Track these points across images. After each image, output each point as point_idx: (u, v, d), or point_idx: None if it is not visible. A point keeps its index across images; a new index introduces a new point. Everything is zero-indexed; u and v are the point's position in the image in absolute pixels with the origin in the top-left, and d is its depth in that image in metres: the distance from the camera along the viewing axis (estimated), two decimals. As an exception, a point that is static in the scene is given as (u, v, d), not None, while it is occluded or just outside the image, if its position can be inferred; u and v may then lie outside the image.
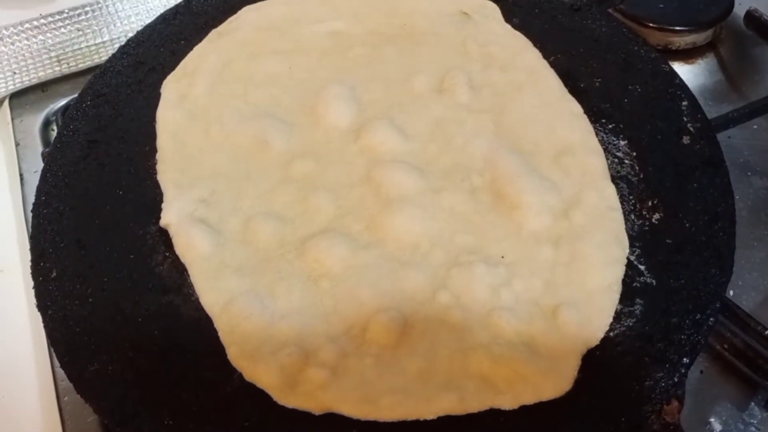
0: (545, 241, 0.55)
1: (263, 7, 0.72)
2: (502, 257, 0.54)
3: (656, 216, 0.56)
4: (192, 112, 0.64)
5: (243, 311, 0.51)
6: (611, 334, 0.50)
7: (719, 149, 0.59)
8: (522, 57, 0.67)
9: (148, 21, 0.74)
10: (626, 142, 0.61)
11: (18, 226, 0.68)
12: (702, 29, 0.80)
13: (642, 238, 0.55)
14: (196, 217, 0.57)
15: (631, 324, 0.50)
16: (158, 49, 0.69)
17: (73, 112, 0.64)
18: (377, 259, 0.55)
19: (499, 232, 0.56)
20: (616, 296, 0.52)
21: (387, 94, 0.65)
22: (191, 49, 0.69)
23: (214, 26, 0.70)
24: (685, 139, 0.60)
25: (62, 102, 0.78)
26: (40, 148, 0.74)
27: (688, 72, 0.80)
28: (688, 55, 0.81)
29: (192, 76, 0.66)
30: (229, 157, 0.61)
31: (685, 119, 0.61)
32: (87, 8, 0.85)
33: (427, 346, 0.50)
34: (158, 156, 0.61)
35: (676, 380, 0.47)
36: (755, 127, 0.73)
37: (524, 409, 0.47)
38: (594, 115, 0.63)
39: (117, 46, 0.73)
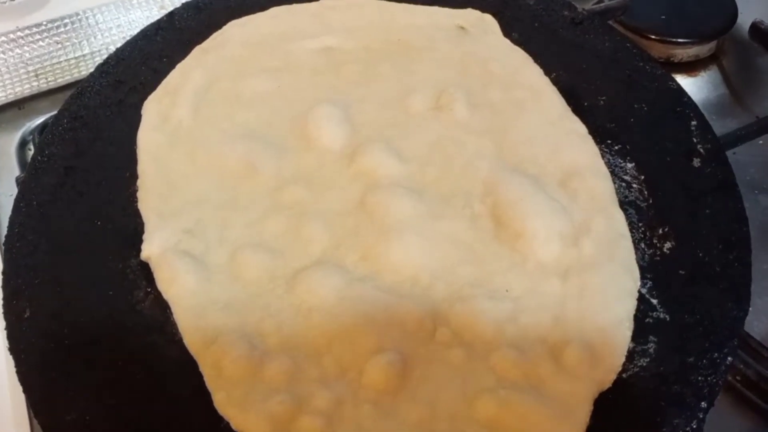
0: (553, 273, 0.52)
1: (250, 22, 0.68)
2: (507, 291, 0.51)
3: (667, 245, 0.53)
4: (175, 134, 0.61)
5: (230, 353, 0.48)
6: (624, 375, 0.47)
7: (731, 172, 0.56)
8: (522, 74, 0.64)
9: (131, 33, 0.70)
10: (633, 164, 0.58)
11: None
12: (705, 41, 0.78)
13: (653, 269, 0.52)
14: (180, 249, 0.54)
15: (644, 364, 0.47)
16: (139, 67, 0.66)
17: (48, 136, 0.60)
18: (374, 291, 0.51)
19: (503, 262, 0.52)
20: (629, 333, 0.49)
21: (382, 114, 0.62)
22: (174, 67, 0.65)
23: (199, 42, 0.67)
24: (696, 162, 0.57)
25: (40, 120, 0.75)
26: (16, 170, 0.70)
27: (690, 85, 0.78)
28: (690, 67, 0.79)
29: (175, 95, 0.63)
30: (215, 183, 0.58)
31: (695, 140, 0.58)
32: (66, 20, 0.82)
33: (428, 391, 0.46)
34: (139, 182, 0.58)
35: (694, 426, 0.44)
36: (761, 142, 0.70)
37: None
38: (599, 135, 0.60)
39: (98, 59, 0.71)
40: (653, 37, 0.77)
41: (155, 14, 0.80)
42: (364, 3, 0.70)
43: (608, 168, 0.58)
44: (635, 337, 0.48)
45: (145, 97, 0.63)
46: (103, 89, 0.64)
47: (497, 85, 0.63)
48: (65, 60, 0.79)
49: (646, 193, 0.56)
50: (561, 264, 0.52)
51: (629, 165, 0.58)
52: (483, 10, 0.69)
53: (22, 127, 0.75)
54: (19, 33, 0.80)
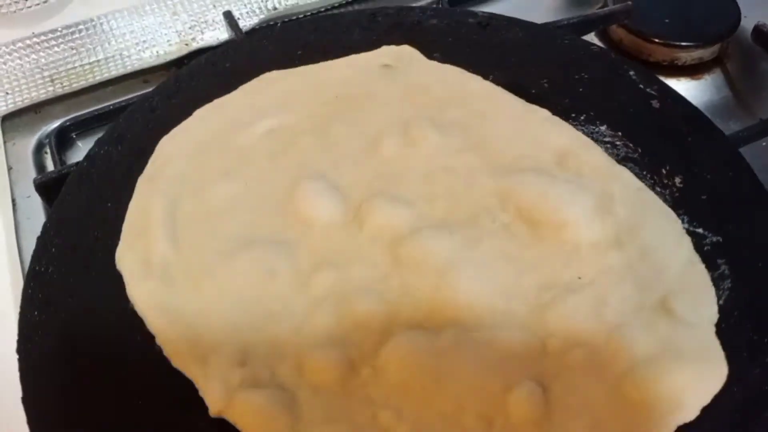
0: (607, 247, 0.53)
1: (180, 132, 0.63)
2: (579, 278, 0.52)
3: (677, 180, 0.57)
4: (167, 275, 0.54)
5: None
6: (720, 302, 0.50)
7: (688, 102, 0.61)
8: (467, 86, 0.65)
9: (143, 39, 0.78)
10: (605, 126, 0.62)
11: (9, 255, 0.65)
12: (708, 44, 0.77)
13: (681, 204, 0.55)
14: (248, 386, 0.48)
15: (729, 284, 0.50)
16: (85, 222, 0.58)
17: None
18: (462, 340, 0.49)
19: (559, 257, 0.53)
20: (702, 266, 0.51)
21: (361, 170, 0.60)
22: (123, 209, 0.58)
23: (138, 172, 0.60)
24: (654, 103, 0.62)
25: (55, 124, 0.75)
26: (32, 173, 0.72)
27: (694, 88, 0.76)
28: (694, 70, 0.78)
29: (145, 236, 0.56)
30: (239, 306, 0.52)
31: (642, 86, 0.63)
32: (81, 26, 0.83)
33: (575, 401, 0.46)
34: (159, 341, 0.51)
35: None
36: (764, 143, 0.69)
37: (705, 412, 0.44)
38: (562, 113, 0.62)
39: (111, 65, 0.78)
40: (657, 40, 0.77)
41: (168, 20, 0.83)
42: (279, 77, 0.68)
43: (588, 137, 0.61)
44: (708, 266, 0.51)
45: (110, 254, 0.55)
46: (58, 258, 0.55)
47: (451, 104, 0.64)
48: (80, 65, 0.80)
49: (631, 145, 0.60)
50: (608, 235, 0.54)
51: (602, 128, 0.62)
52: (396, 44, 0.70)
53: (39, 131, 0.76)
54: (35, 39, 0.82)
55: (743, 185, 0.56)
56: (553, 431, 0.44)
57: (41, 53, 0.81)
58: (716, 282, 0.51)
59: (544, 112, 0.63)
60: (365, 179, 0.59)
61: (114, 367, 0.50)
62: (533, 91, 0.65)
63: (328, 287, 0.53)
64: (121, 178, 0.60)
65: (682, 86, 0.66)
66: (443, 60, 0.68)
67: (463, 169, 0.59)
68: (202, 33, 0.82)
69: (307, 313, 0.52)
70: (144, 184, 0.59)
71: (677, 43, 0.76)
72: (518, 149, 0.60)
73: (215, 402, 0.47)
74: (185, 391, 0.48)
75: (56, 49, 0.81)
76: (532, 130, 0.61)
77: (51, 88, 0.78)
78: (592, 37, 0.80)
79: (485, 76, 0.66)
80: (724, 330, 0.48)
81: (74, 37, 0.82)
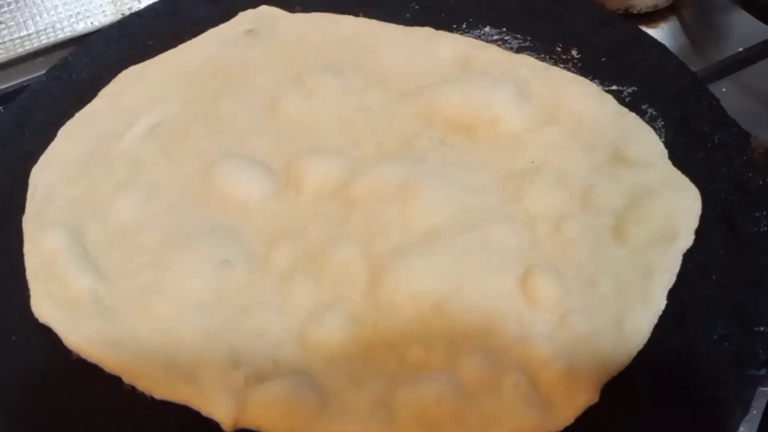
0: (542, 125, 0.53)
1: (51, 158, 0.53)
2: (532, 162, 0.51)
3: (574, 52, 0.59)
4: (104, 308, 0.45)
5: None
6: (663, 139, 0.52)
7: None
8: (342, 28, 0.62)
9: (77, 11, 0.75)
10: (489, 26, 0.62)
11: None
12: None
13: (589, 71, 0.57)
14: (254, 383, 0.41)
15: (662, 127, 0.53)
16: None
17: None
18: (458, 247, 0.46)
19: (504, 149, 0.52)
20: (632, 114, 0.54)
21: (271, 136, 0.55)
22: (16, 256, 0.48)
23: (18, 213, 0.50)
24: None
25: None
26: None
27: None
28: (650, 18, 0.76)
29: (58, 277, 0.46)
30: (204, 310, 0.45)
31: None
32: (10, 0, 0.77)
33: (589, 271, 0.45)
34: (128, 379, 0.42)
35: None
36: (724, 90, 0.67)
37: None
38: (444, 27, 0.62)
39: (43, 38, 0.74)
40: (609, -12, 0.72)
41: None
42: (138, 71, 0.60)
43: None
44: (637, 113, 0.54)
45: (23, 311, 0.45)
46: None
47: (334, 48, 0.61)
48: (9, 40, 0.75)
49: (519, 36, 0.61)
50: (539, 115, 0.54)
51: (486, 29, 0.62)
52: (243, 9, 0.65)
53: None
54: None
55: (632, 35, 0.59)
56: (576, 301, 0.43)
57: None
58: (650, 124, 0.53)
59: (427, 30, 0.62)
60: (280, 145, 0.55)
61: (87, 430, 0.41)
62: (407, 15, 0.64)
63: (291, 259, 0.48)
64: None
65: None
66: (307, 11, 0.65)
67: (375, 105, 0.57)
68: (139, 2, 0.77)
69: (283, 291, 0.46)
70: (31, 224, 0.49)
71: None
72: (419, 69, 0.59)
73: (227, 414, 0.40)
74: (181, 421, 0.41)
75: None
76: (423, 49, 0.60)
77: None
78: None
79: (355, 15, 0.64)
80: (675, 161, 0.50)
81: (2, 10, 0.77)
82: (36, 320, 0.45)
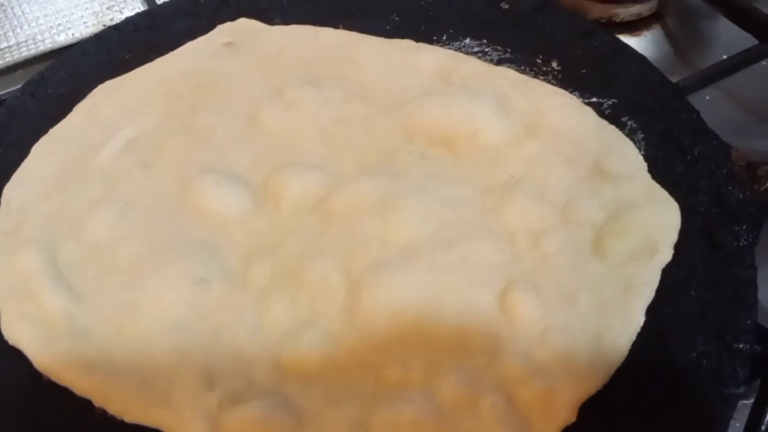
0: (522, 139, 0.53)
1: (26, 174, 0.53)
2: (512, 176, 0.51)
3: (554, 64, 0.59)
4: (78, 329, 0.44)
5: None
6: (642, 152, 0.51)
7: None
8: (321, 39, 0.62)
9: (58, 23, 0.76)
10: (469, 38, 0.62)
11: None
12: None
13: (569, 83, 0.57)
14: (228, 405, 0.41)
15: (642, 140, 0.53)
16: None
17: None
18: (437, 265, 0.46)
19: (484, 163, 0.52)
20: (611, 126, 0.53)
21: (250, 150, 0.54)
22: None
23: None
24: (504, 5, 0.64)
25: None
26: None
27: (634, 45, 0.69)
28: (633, 27, 0.75)
29: (31, 297, 0.46)
30: (181, 329, 0.44)
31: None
32: None
33: (569, 285, 0.45)
34: (99, 403, 0.41)
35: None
36: (708, 98, 0.67)
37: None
38: (423, 39, 0.61)
39: (24, 50, 0.74)
40: (591, -4, 0.72)
41: (84, 1, 0.79)
42: (115, 85, 0.59)
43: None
44: (616, 126, 0.53)
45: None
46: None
47: (314, 60, 0.60)
48: None
49: (499, 48, 0.61)
50: (519, 129, 0.53)
51: (467, 41, 0.62)
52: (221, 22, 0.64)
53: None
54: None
55: (612, 46, 0.59)
56: (555, 317, 0.43)
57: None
58: (630, 136, 0.53)
59: (407, 42, 0.61)
60: (260, 158, 0.54)
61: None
62: (387, 27, 0.64)
63: (268, 274, 0.47)
64: (-29, 244, 0.49)
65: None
66: (286, 23, 0.64)
67: (355, 118, 0.56)
68: (121, 12, 0.78)
69: (259, 308, 0.46)
70: (4, 242, 0.49)
71: None
72: (399, 82, 0.58)
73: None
74: (154, 445, 0.40)
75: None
76: (403, 61, 0.60)
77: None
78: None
79: (335, 27, 0.63)
80: (655, 174, 0.50)
81: (-18, 23, 0.76)
82: (6, 341, 0.44)
